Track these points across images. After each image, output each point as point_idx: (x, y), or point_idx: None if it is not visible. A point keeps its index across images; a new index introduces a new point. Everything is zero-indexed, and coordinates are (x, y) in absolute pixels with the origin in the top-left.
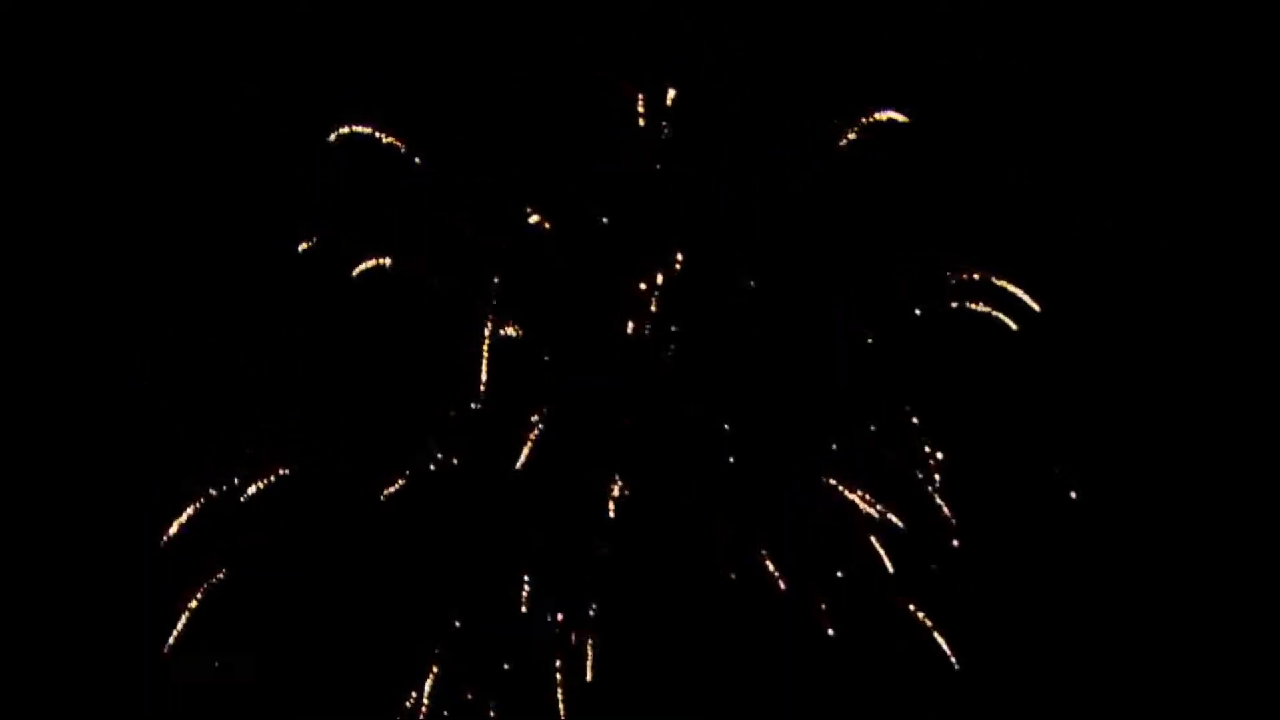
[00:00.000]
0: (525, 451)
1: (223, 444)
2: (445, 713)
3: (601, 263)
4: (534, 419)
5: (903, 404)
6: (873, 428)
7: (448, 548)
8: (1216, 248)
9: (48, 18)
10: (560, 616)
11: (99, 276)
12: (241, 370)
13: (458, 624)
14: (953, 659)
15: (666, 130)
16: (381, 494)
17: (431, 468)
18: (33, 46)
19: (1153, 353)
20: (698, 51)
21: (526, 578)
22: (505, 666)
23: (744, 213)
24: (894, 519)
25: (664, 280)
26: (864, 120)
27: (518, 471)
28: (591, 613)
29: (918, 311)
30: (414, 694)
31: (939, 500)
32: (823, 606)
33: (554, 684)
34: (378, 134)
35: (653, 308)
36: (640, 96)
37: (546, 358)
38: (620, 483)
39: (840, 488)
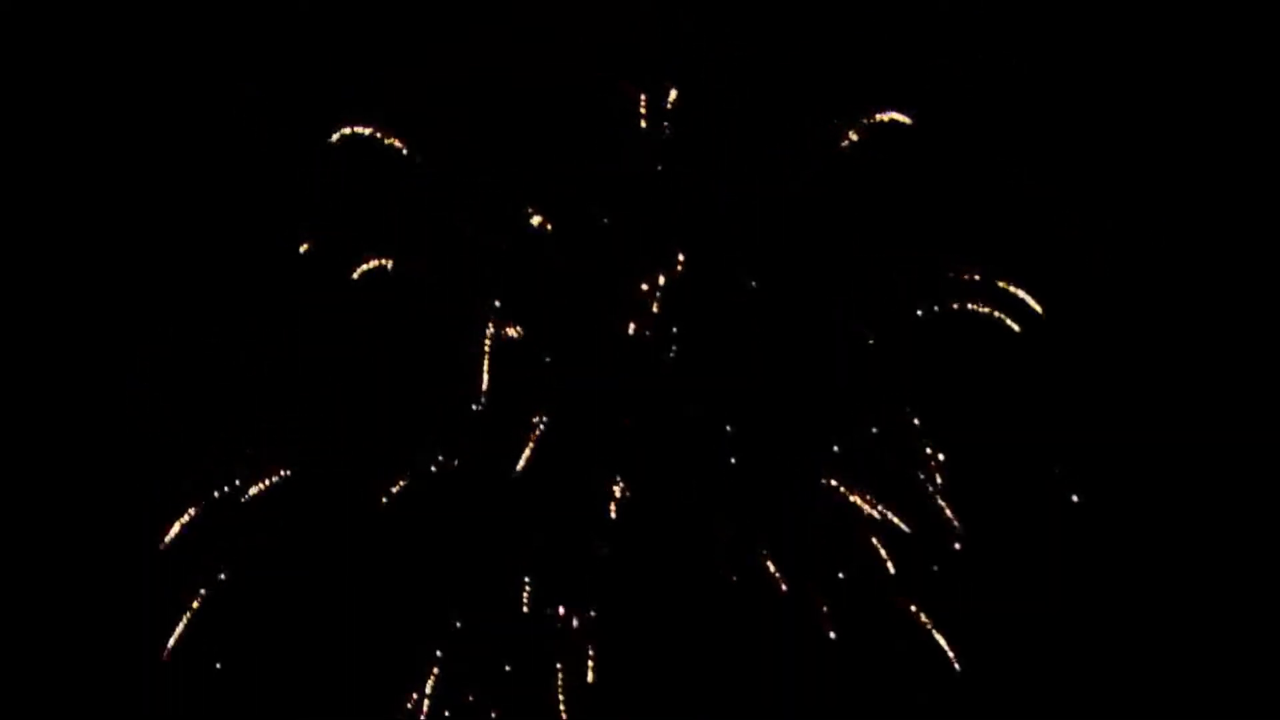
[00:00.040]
0: (526, 452)
1: (223, 444)
2: (446, 713)
3: (602, 263)
4: (535, 420)
5: (904, 404)
6: (874, 429)
7: (449, 548)
8: (1217, 247)
9: (48, 18)
10: (561, 615)
11: (99, 276)
12: (241, 370)
13: (459, 624)
14: (954, 660)
15: (668, 130)
16: (382, 494)
17: (433, 469)
18: (33, 46)
19: (1153, 353)
20: (698, 51)
21: (527, 578)
22: (506, 667)
23: (744, 213)
24: (895, 519)
25: (665, 281)
26: (865, 120)
27: (519, 472)
28: (592, 613)
29: (919, 312)
30: (415, 695)
31: (940, 501)
32: (824, 609)
33: (555, 684)
34: (378, 134)
35: (654, 308)
36: (642, 97)
37: (547, 358)
38: (621, 483)
39: (841, 488)
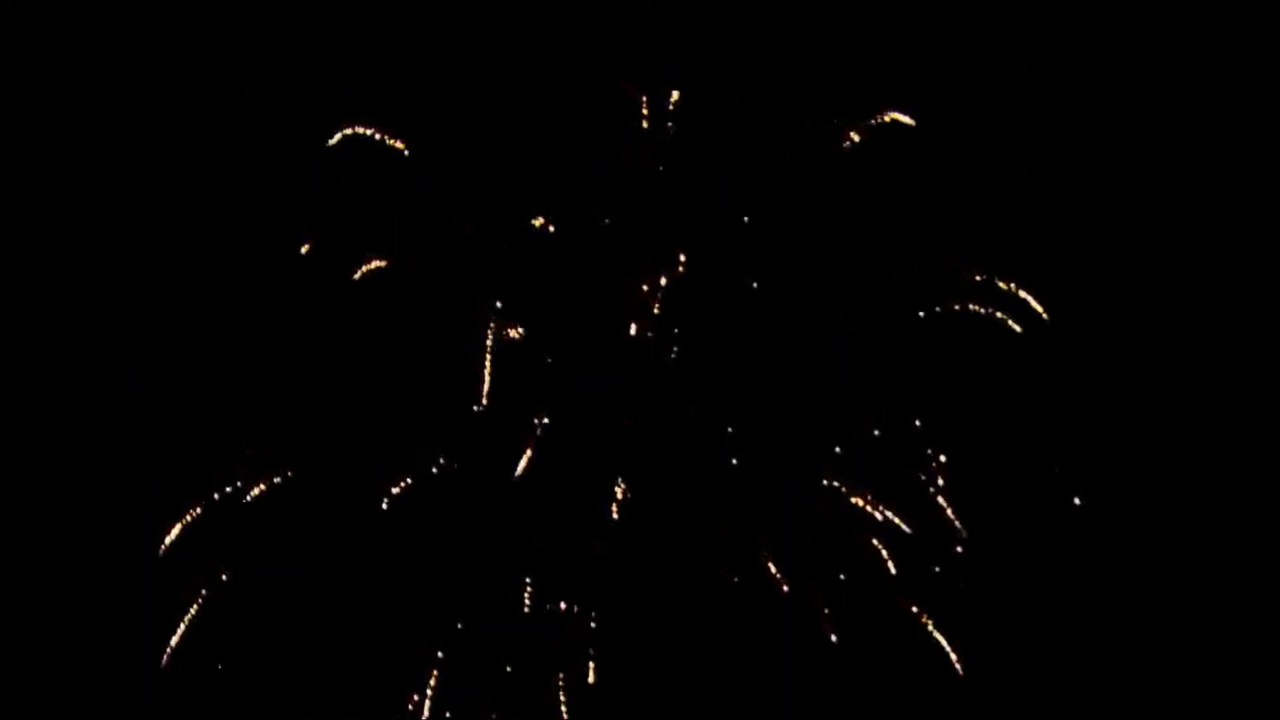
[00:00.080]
0: (527, 453)
1: (223, 445)
2: (447, 714)
3: (603, 263)
4: (536, 420)
5: (905, 405)
6: (875, 429)
7: (449, 549)
8: (1217, 247)
9: (48, 18)
10: (562, 615)
11: (99, 276)
12: (241, 370)
13: (460, 625)
14: (956, 662)
15: (669, 131)
16: (383, 495)
17: (433, 469)
18: (33, 46)
19: (1155, 353)
20: (698, 51)
21: (528, 579)
22: (507, 668)
23: (745, 213)
24: (895, 520)
25: (666, 281)
26: (866, 121)
27: (519, 473)
28: (593, 613)
29: (920, 313)
30: (416, 696)
31: (941, 501)
32: (825, 611)
33: (556, 685)
34: (378, 134)
35: (655, 309)
36: (644, 99)
37: (549, 359)
38: (622, 484)
39: (842, 489)
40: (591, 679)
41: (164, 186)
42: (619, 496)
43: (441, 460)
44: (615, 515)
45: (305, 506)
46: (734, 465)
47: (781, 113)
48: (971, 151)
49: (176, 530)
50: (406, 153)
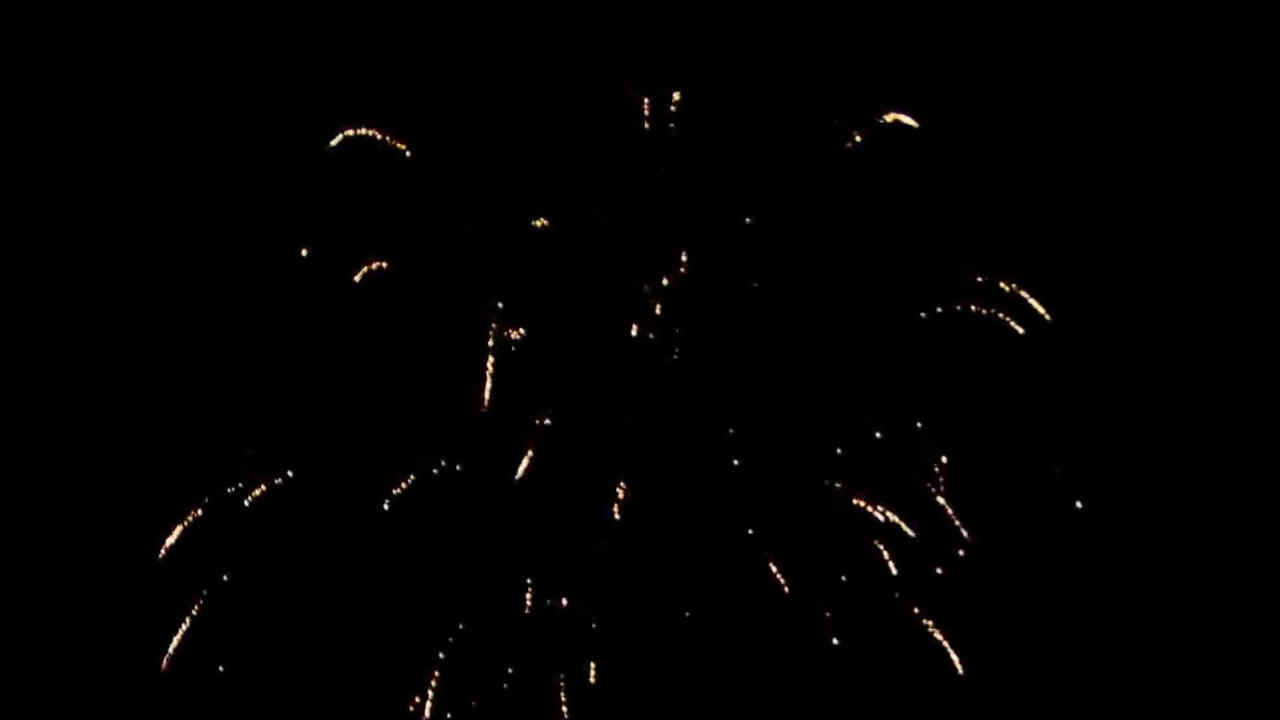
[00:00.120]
0: (528, 454)
1: (223, 445)
2: (448, 715)
3: (604, 264)
4: (537, 421)
5: (906, 406)
6: (876, 431)
7: (451, 550)
8: (1218, 247)
9: (48, 18)
10: (563, 616)
11: (99, 276)
12: (242, 371)
13: (461, 626)
14: (958, 665)
15: (671, 131)
16: (384, 496)
17: (435, 471)
18: (33, 46)
19: (1156, 353)
20: (698, 51)
21: (529, 580)
22: (508, 669)
23: (746, 214)
24: (894, 519)
25: (668, 282)
26: (867, 121)
27: (521, 474)
28: (594, 614)
29: (921, 314)
30: (417, 698)
31: (942, 501)
32: (827, 615)
33: (557, 685)
34: (378, 135)
35: (656, 309)
36: (646, 100)
37: (549, 360)
38: (624, 485)
39: (843, 490)
40: (592, 679)
41: (164, 186)
42: (620, 497)
43: (442, 462)
44: (616, 516)
45: (306, 507)
46: (735, 466)
47: (782, 113)
48: (972, 151)
49: (177, 532)
50: (407, 153)
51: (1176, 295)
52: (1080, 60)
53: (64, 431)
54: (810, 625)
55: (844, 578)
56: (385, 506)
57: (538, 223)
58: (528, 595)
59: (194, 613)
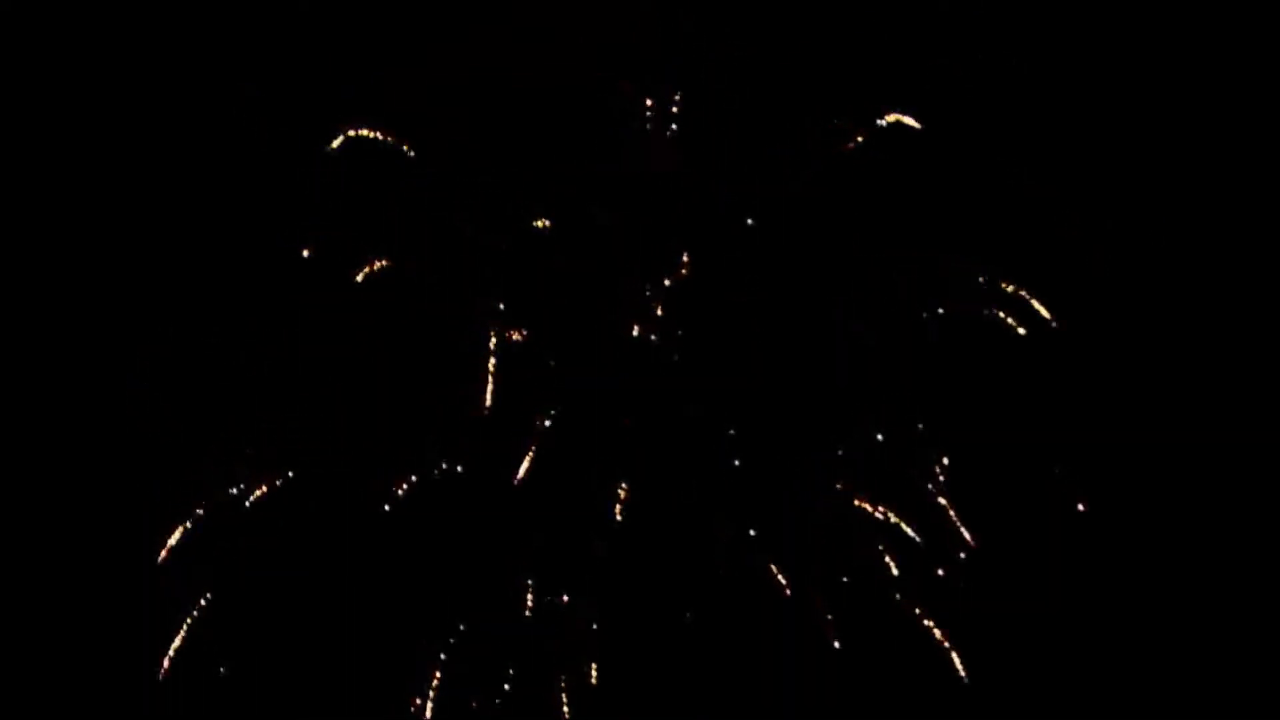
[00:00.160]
0: (529, 455)
1: (223, 445)
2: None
3: (605, 265)
4: (538, 422)
5: (907, 407)
6: (878, 434)
7: (452, 551)
8: (1219, 248)
9: (48, 18)
10: (564, 616)
11: (99, 276)
12: (242, 372)
13: (462, 627)
14: (959, 667)
15: (671, 132)
16: (385, 497)
17: (436, 472)
18: (32, 46)
19: (1157, 354)
20: (698, 51)
21: (530, 580)
22: (510, 670)
23: (747, 214)
24: (897, 521)
25: (669, 283)
26: (869, 122)
27: (522, 475)
28: (595, 615)
29: (923, 314)
30: (418, 699)
31: (942, 502)
32: (829, 617)
33: (558, 686)
34: (378, 135)
35: (657, 310)
36: (649, 101)
37: (551, 360)
38: (625, 486)
39: (844, 492)
40: (593, 680)
41: (164, 187)
42: (621, 497)
43: (444, 465)
44: (617, 516)
45: (307, 508)
46: (735, 466)
47: (782, 113)
48: (973, 152)
49: (178, 534)
50: (410, 153)
51: (1178, 295)
52: (1080, 60)
53: (64, 432)
54: (811, 626)
55: (845, 578)
56: (386, 507)
57: (539, 223)
58: (529, 596)
59: (194, 614)
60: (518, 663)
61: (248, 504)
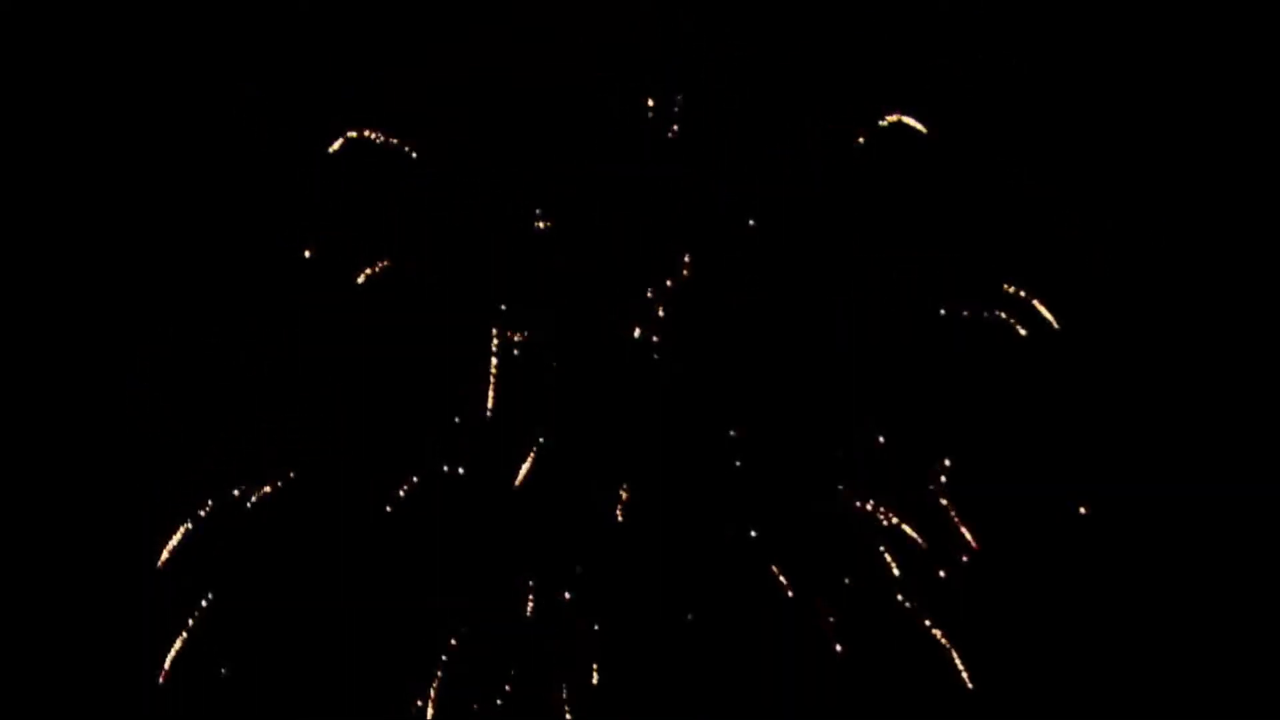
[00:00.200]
0: (530, 457)
1: (223, 447)
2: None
3: (606, 266)
4: (539, 424)
5: (909, 408)
6: (880, 436)
7: (453, 553)
8: (1220, 248)
9: (47, 17)
10: (565, 618)
11: (99, 276)
12: (243, 372)
13: (463, 629)
14: (962, 671)
15: (674, 133)
16: (386, 499)
17: (436, 474)
18: (32, 46)
19: (1158, 355)
20: (698, 51)
21: (531, 583)
22: (511, 672)
23: (748, 215)
24: (900, 525)
25: (671, 284)
26: (872, 123)
27: (523, 477)
28: (596, 617)
29: (925, 317)
30: (419, 701)
31: (944, 503)
32: (830, 619)
33: (559, 688)
34: (378, 135)
35: (659, 312)
36: (651, 102)
37: (552, 362)
38: (627, 488)
39: (848, 495)
40: (595, 682)
41: (164, 187)
42: (622, 499)
43: (445, 464)
44: (619, 518)
45: (307, 510)
46: (738, 469)
47: (783, 113)
48: (974, 152)
49: (180, 535)
50: (409, 153)
51: (1179, 296)
52: (1081, 60)
53: (63, 432)
54: (813, 629)
55: (846, 580)
56: (388, 509)
57: (540, 224)
58: (530, 598)
59: (195, 615)
60: (519, 664)
61: (249, 505)
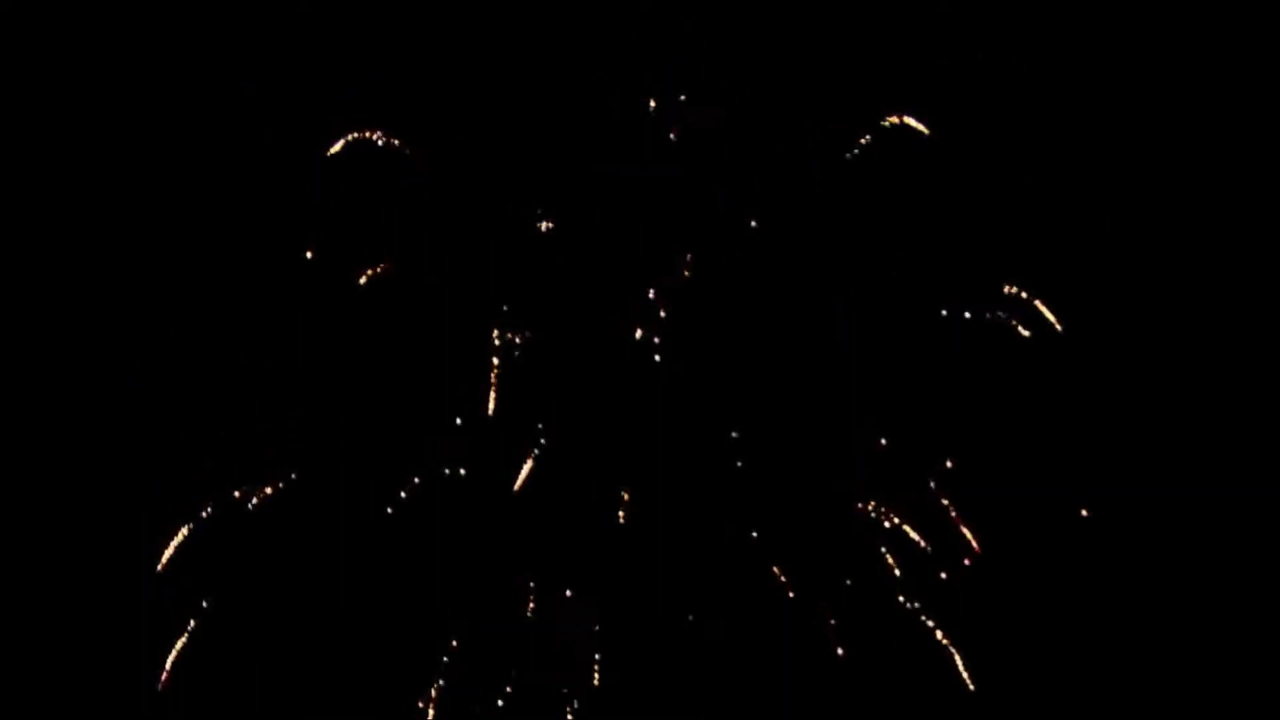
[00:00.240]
0: (531, 458)
1: (224, 447)
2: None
3: (606, 266)
4: (540, 425)
5: (910, 410)
6: (881, 437)
7: (454, 553)
8: (1220, 248)
9: (47, 17)
10: (566, 619)
11: (99, 276)
12: (243, 373)
13: (464, 630)
14: (964, 673)
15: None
16: (387, 500)
17: (438, 475)
18: (32, 46)
19: (1158, 355)
20: (698, 51)
21: (533, 583)
22: (511, 672)
23: (749, 216)
24: (902, 527)
25: (671, 285)
26: (873, 123)
27: (524, 478)
28: (598, 617)
29: (926, 317)
30: (419, 702)
31: (945, 503)
32: (832, 621)
33: (560, 688)
34: (378, 135)
35: (660, 313)
36: (651, 103)
37: (553, 363)
38: (628, 489)
39: (849, 496)
40: (595, 682)
41: (164, 187)
42: (624, 499)
43: (446, 465)
44: (621, 519)
45: (308, 510)
46: (739, 470)
47: (783, 114)
48: (975, 152)
49: (181, 535)
50: (408, 154)
51: (1179, 296)
52: (1081, 61)
53: (64, 433)
54: (815, 630)
55: (848, 581)
56: (389, 510)
57: (541, 225)
58: (530, 599)
59: (196, 617)
60: (520, 665)
61: (249, 507)
